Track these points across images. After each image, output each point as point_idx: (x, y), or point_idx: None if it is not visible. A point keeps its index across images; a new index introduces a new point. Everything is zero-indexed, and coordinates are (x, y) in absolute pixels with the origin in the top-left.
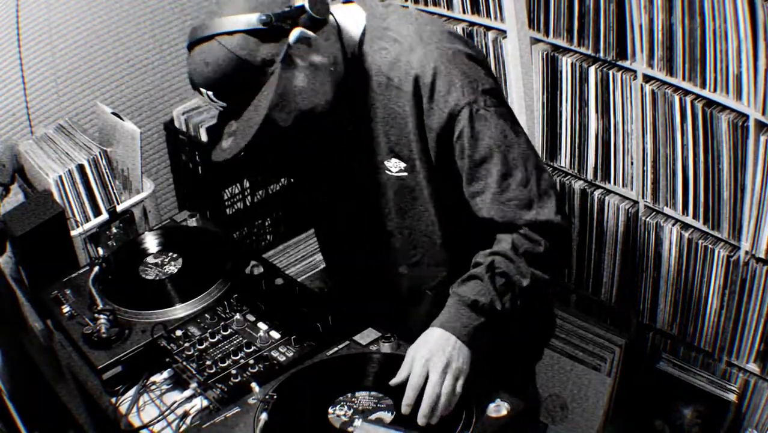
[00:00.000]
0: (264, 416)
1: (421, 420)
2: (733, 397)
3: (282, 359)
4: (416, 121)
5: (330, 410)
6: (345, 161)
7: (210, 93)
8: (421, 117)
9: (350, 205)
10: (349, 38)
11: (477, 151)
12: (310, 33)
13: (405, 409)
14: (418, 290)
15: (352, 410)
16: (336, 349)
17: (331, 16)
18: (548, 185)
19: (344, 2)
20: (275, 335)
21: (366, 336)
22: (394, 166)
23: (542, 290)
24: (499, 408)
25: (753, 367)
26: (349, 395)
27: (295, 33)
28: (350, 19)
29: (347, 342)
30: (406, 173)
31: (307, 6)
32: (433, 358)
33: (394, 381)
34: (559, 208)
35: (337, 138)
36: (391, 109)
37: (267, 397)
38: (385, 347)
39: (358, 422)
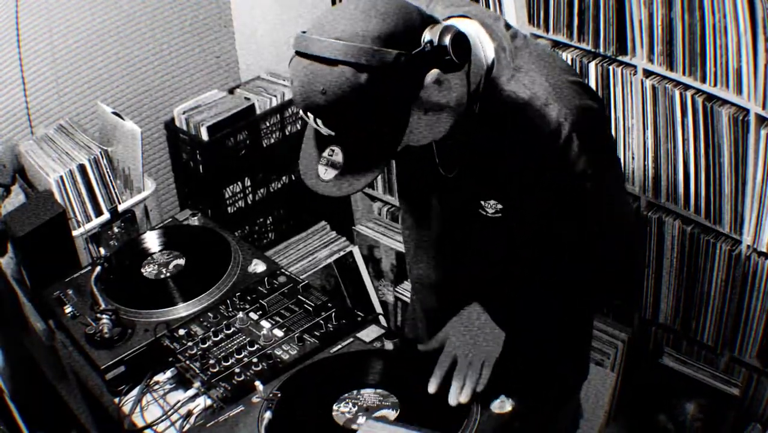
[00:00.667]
0: (268, 414)
1: (452, 400)
2: (736, 391)
3: (285, 357)
4: (530, 173)
5: (334, 408)
6: (447, 193)
7: (318, 121)
8: (536, 170)
9: (451, 239)
10: (476, 70)
11: (579, 211)
12: (444, 76)
13: (431, 388)
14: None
15: (356, 408)
16: (340, 346)
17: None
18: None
19: (457, 16)
20: (278, 333)
21: (370, 333)
22: (491, 207)
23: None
24: (503, 404)
25: (755, 361)
26: (353, 392)
27: (431, 75)
28: (479, 48)
29: (351, 339)
30: (500, 214)
31: (449, 49)
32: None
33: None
34: None
35: (447, 177)
36: (505, 155)
37: (271, 395)
38: (389, 344)
39: (362, 420)
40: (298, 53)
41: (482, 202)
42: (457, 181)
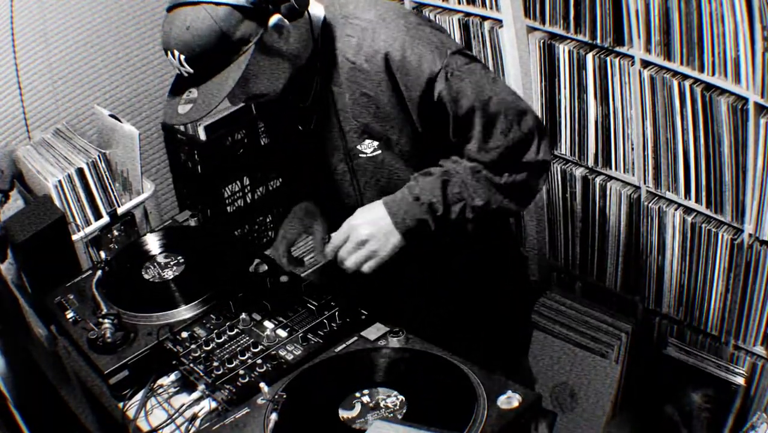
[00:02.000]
0: (274, 416)
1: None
2: (741, 380)
3: (290, 357)
4: (392, 97)
5: (341, 408)
6: (319, 152)
7: (182, 57)
8: (398, 91)
9: (330, 190)
10: (314, 27)
11: (459, 108)
12: (286, 22)
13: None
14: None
15: (362, 407)
16: (344, 345)
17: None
18: (529, 127)
19: None
20: (282, 333)
21: (374, 331)
22: (368, 147)
23: (502, 213)
24: (510, 400)
25: (760, 350)
26: (359, 391)
27: (274, 19)
28: (313, 10)
29: (355, 338)
30: (380, 151)
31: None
32: (360, 228)
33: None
34: (539, 148)
35: (308, 131)
36: (360, 92)
37: (276, 397)
38: (394, 342)
39: (370, 419)
40: (168, 9)
41: (358, 147)
42: (328, 138)
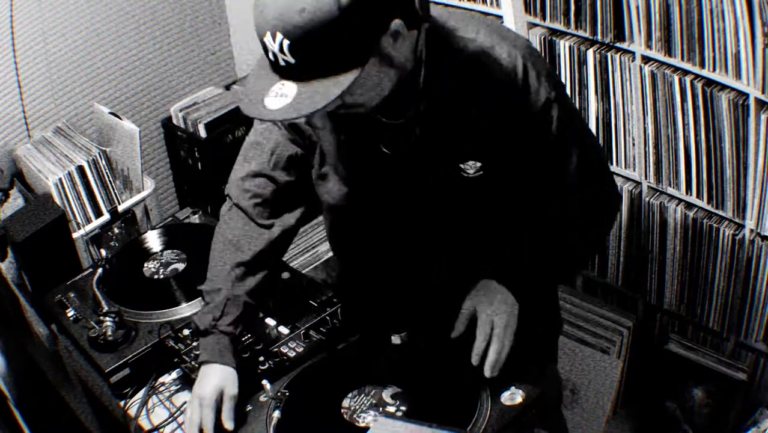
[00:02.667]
0: (277, 413)
1: (489, 372)
2: (743, 376)
3: (292, 354)
4: (501, 117)
5: (343, 405)
6: (415, 168)
7: (285, 42)
8: (507, 112)
9: (407, 211)
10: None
11: (563, 139)
12: (405, 28)
13: (475, 359)
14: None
15: (365, 404)
16: (346, 342)
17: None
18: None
19: None
20: (284, 330)
21: (376, 328)
22: (471, 167)
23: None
24: (513, 396)
25: (762, 346)
26: (361, 388)
27: (395, 24)
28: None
29: (357, 335)
30: (482, 172)
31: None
32: (498, 316)
33: (455, 334)
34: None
35: (394, 150)
36: (471, 108)
37: (279, 394)
38: (396, 339)
39: (373, 416)
40: None
41: (461, 165)
42: (426, 155)
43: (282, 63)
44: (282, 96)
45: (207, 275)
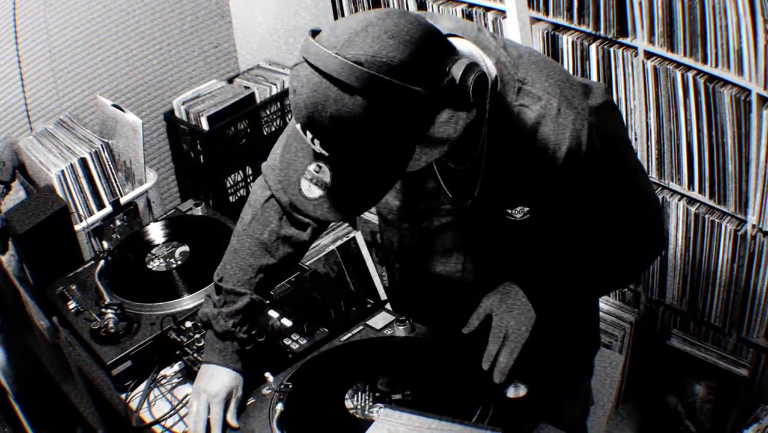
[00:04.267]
0: (280, 406)
1: (497, 378)
2: (744, 372)
3: (295, 347)
4: (552, 171)
5: (347, 397)
6: (474, 211)
7: (317, 141)
8: (567, 172)
9: (464, 252)
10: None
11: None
12: (455, 113)
13: (485, 365)
14: None
15: (369, 397)
16: (350, 335)
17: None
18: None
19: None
20: (287, 322)
21: (380, 320)
22: (519, 212)
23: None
24: (518, 389)
25: (763, 342)
26: (365, 380)
27: (443, 115)
28: (483, 68)
29: (361, 327)
30: (529, 216)
31: (469, 91)
32: (513, 323)
33: (466, 329)
34: None
35: (468, 189)
36: (526, 161)
37: (282, 387)
38: (400, 331)
39: (377, 408)
40: (309, 63)
41: (509, 211)
42: (475, 208)
43: (318, 149)
44: (316, 184)
45: (227, 264)
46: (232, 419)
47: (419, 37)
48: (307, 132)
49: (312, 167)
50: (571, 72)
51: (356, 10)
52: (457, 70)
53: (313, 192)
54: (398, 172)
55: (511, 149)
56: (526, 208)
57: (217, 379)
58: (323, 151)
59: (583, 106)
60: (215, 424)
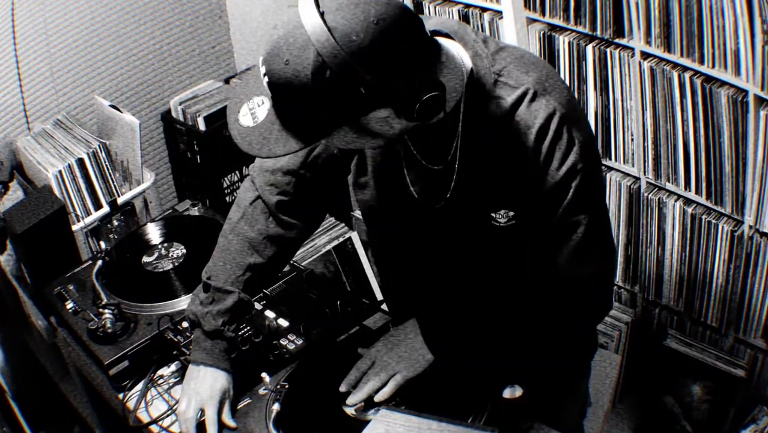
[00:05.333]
0: (276, 406)
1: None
2: (741, 373)
3: (291, 347)
4: (532, 169)
5: (343, 397)
6: (447, 212)
7: (265, 79)
8: (538, 164)
9: (441, 253)
10: (456, 88)
11: (575, 212)
12: (395, 117)
13: (343, 387)
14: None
15: (365, 397)
16: (346, 335)
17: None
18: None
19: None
20: (283, 323)
21: (376, 321)
22: (503, 216)
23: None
24: (514, 390)
25: (760, 342)
26: (361, 381)
27: (382, 112)
28: (458, 64)
29: (357, 328)
30: (514, 221)
31: (417, 106)
32: (386, 357)
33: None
34: None
35: (441, 190)
36: (505, 157)
37: (278, 387)
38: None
39: (374, 408)
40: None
41: (492, 215)
42: (452, 207)
43: (264, 85)
44: (253, 116)
45: (215, 263)
46: (229, 420)
47: (405, 38)
48: (264, 66)
49: (257, 99)
50: (567, 73)
51: None
52: (418, 84)
53: (245, 120)
54: (314, 139)
55: (488, 145)
56: (511, 213)
57: (208, 381)
58: (267, 89)
59: (559, 98)
60: (211, 426)
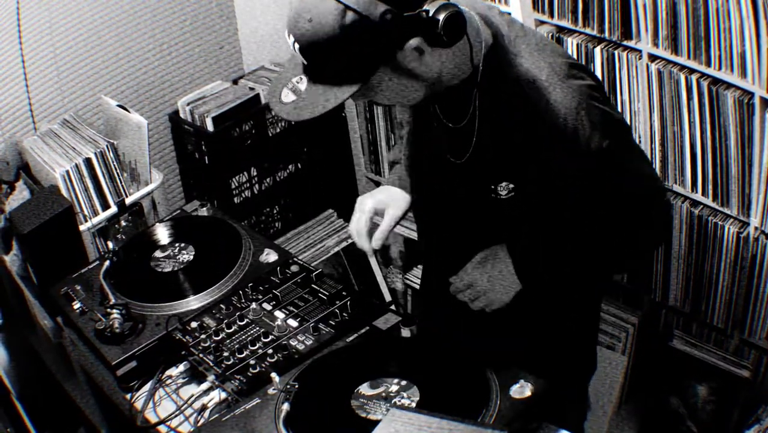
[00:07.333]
0: (286, 406)
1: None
2: (746, 374)
3: (301, 347)
4: (546, 153)
5: (353, 398)
6: (456, 184)
7: (296, 45)
8: (553, 150)
9: (454, 223)
10: (474, 53)
11: (608, 178)
12: (428, 47)
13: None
14: None
15: (375, 397)
16: (356, 335)
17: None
18: None
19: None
20: (293, 323)
21: (386, 321)
22: (504, 189)
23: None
24: (522, 389)
25: (765, 343)
26: (371, 381)
27: (413, 41)
28: (479, 32)
29: (367, 328)
30: (513, 194)
31: (440, 24)
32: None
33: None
34: None
35: (451, 159)
36: (511, 135)
37: (288, 387)
38: (406, 332)
39: (383, 408)
40: None
41: (493, 186)
42: (468, 168)
43: (299, 60)
44: (295, 92)
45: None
46: (375, 240)
47: None
48: (290, 34)
49: (295, 79)
50: None
51: None
52: (432, 6)
53: (289, 97)
54: (359, 82)
55: (501, 116)
56: (512, 186)
57: (375, 193)
58: (301, 57)
59: (574, 84)
60: (354, 231)
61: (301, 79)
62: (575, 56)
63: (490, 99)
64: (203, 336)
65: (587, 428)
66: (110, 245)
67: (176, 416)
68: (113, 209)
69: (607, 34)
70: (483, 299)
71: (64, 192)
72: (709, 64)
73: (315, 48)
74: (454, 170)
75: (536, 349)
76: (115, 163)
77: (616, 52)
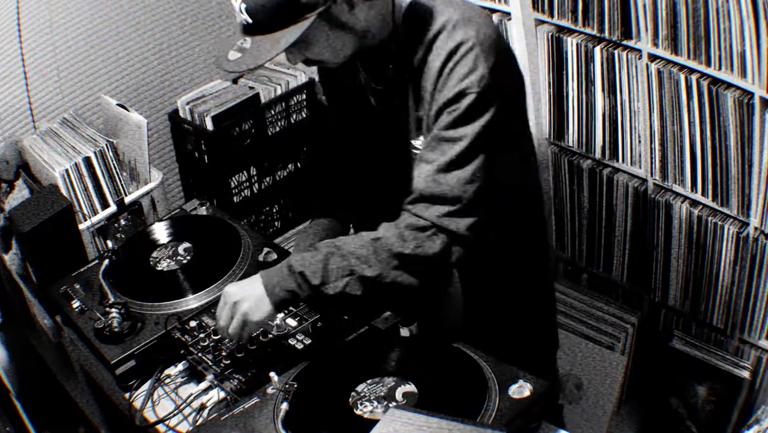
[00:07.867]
0: (285, 405)
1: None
2: (746, 374)
3: (300, 346)
4: (434, 87)
5: (351, 397)
6: (379, 140)
7: (243, 5)
8: (438, 83)
9: (380, 182)
10: (396, 11)
11: (454, 133)
12: (357, 0)
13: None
14: None
15: (374, 396)
16: (355, 334)
17: None
18: (480, 198)
19: None
20: (292, 322)
21: (385, 321)
22: (422, 144)
23: (402, 292)
24: (521, 389)
25: (765, 343)
26: (370, 380)
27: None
28: None
29: (366, 327)
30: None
31: None
32: (234, 297)
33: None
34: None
35: (373, 115)
36: (422, 86)
37: (287, 386)
38: (405, 331)
39: (382, 408)
40: None
41: (412, 142)
42: (390, 123)
43: (243, 23)
44: (240, 50)
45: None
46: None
47: None
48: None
49: (239, 41)
50: (575, 75)
51: None
52: None
53: (234, 56)
54: (295, 34)
55: (416, 69)
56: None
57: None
58: (246, 17)
59: (477, 30)
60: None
61: (245, 40)
62: (575, 56)
63: (409, 54)
64: (202, 335)
65: (587, 428)
66: (110, 243)
67: (175, 415)
68: (113, 208)
69: (607, 34)
70: (237, 310)
71: (63, 191)
72: (709, 64)
73: (262, 3)
74: (377, 124)
75: (495, 331)
76: (114, 162)
77: (615, 52)
